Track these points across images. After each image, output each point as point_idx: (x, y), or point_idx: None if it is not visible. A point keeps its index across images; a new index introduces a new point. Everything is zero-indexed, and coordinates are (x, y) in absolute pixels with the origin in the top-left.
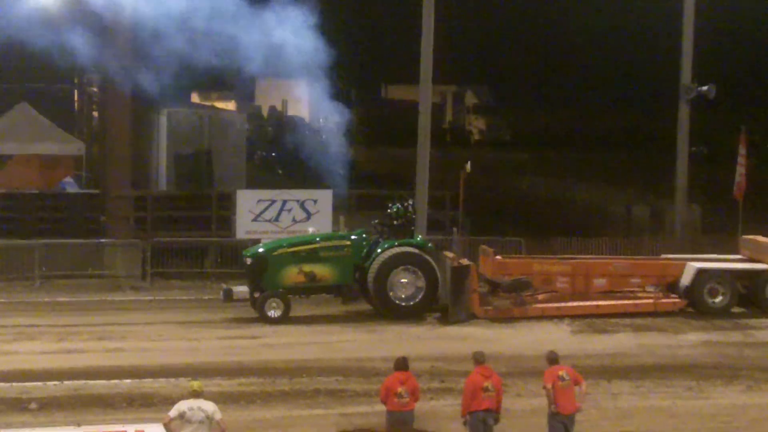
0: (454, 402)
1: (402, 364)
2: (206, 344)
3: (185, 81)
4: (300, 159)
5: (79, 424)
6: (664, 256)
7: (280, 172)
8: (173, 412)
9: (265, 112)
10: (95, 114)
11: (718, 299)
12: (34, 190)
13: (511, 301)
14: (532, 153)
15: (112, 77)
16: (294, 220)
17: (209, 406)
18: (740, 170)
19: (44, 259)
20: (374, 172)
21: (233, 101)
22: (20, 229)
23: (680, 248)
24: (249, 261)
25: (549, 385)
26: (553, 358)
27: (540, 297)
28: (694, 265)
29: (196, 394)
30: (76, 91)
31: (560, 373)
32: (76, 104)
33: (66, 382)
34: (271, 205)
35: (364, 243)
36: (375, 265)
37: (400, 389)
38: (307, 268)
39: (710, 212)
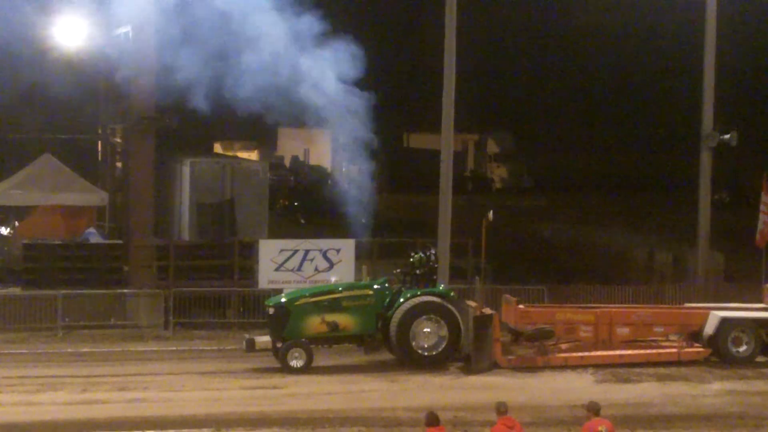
0: None
1: (434, 419)
2: (228, 394)
3: (208, 129)
4: (322, 208)
5: None
6: (687, 304)
7: (302, 221)
8: None
9: (287, 162)
10: (118, 164)
11: (743, 348)
12: (58, 241)
13: (534, 350)
14: (553, 200)
15: (135, 128)
16: (316, 270)
17: None
18: (763, 218)
19: (67, 309)
20: (396, 221)
21: (256, 151)
22: (43, 279)
23: (703, 296)
24: (271, 311)
25: None
26: (596, 410)
27: (563, 346)
28: (717, 314)
29: None
30: (99, 142)
31: (600, 428)
32: (99, 155)
33: None
34: (293, 254)
35: (387, 292)
36: (397, 315)
37: None
38: (330, 317)
39: (733, 260)
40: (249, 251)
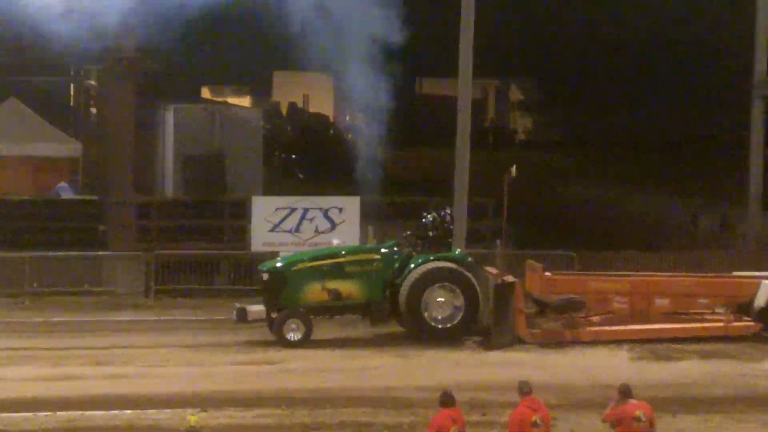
0: None
1: (450, 399)
2: (217, 370)
3: (195, 72)
4: (324, 161)
5: None
6: (735, 273)
7: (301, 176)
8: None
9: (284, 109)
10: (93, 111)
11: None
12: (25, 197)
13: (562, 324)
14: (584, 156)
15: (112, 68)
16: (316, 231)
17: None
18: None
19: (35, 273)
20: (407, 177)
21: (248, 96)
22: (9, 240)
23: (753, 264)
24: (266, 276)
25: None
26: (628, 392)
27: (594, 319)
28: None
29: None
30: (72, 85)
31: (637, 413)
32: (71, 99)
33: (59, 413)
34: (290, 213)
35: (396, 257)
36: (407, 282)
37: (452, 429)
38: (331, 284)
39: None
40: (241, 210)
